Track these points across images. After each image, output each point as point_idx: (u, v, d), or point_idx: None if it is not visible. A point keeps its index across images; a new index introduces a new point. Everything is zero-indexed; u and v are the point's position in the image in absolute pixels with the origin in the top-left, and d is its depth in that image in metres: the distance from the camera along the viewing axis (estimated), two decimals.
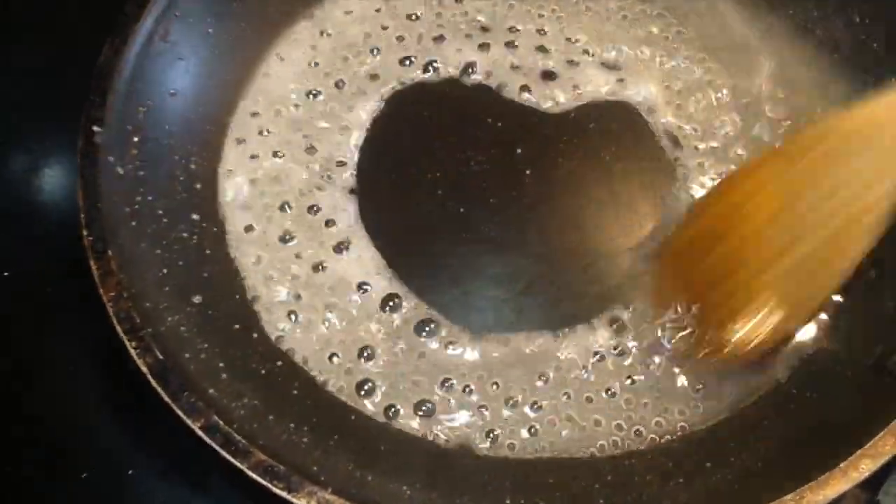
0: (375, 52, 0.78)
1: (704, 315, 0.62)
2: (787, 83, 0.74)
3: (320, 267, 0.68)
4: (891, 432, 0.52)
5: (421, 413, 0.63)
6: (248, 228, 0.70)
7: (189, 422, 0.54)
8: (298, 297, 0.67)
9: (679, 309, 0.63)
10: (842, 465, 0.52)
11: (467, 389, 0.64)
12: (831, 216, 0.56)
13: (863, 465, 0.52)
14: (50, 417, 0.67)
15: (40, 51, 0.81)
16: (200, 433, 0.54)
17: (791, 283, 0.59)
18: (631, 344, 0.65)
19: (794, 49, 0.75)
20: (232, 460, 0.53)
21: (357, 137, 0.75)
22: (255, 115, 0.75)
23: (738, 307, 0.60)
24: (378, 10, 0.80)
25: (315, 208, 0.71)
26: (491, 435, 0.62)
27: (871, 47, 0.71)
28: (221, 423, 0.54)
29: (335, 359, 0.65)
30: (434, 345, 0.66)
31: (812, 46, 0.74)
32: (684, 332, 0.64)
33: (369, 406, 0.63)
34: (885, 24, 0.70)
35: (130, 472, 0.65)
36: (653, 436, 0.62)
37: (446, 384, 0.64)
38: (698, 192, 0.71)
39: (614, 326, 0.66)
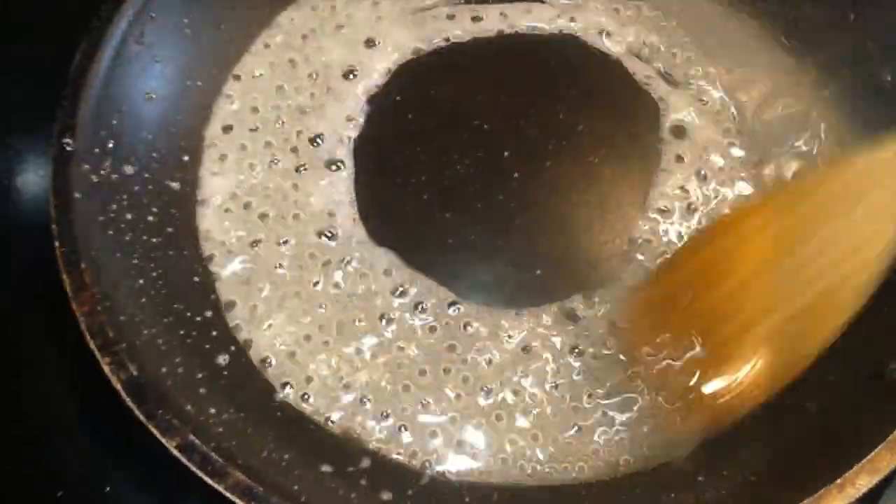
0: (351, 53, 0.76)
1: (687, 362, 0.59)
2: None
3: (303, 277, 0.66)
4: (888, 446, 0.51)
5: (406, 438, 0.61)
6: (228, 235, 0.68)
7: (164, 441, 0.52)
8: (280, 307, 0.65)
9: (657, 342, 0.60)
10: (838, 480, 0.50)
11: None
12: (823, 274, 0.53)
13: (860, 481, 0.50)
14: (24, 432, 0.66)
15: (11, 52, 0.79)
16: (176, 452, 0.52)
17: (783, 340, 0.56)
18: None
19: None
20: (209, 481, 0.51)
21: (342, 140, 0.72)
22: (234, 117, 0.73)
23: (727, 358, 0.57)
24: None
25: (298, 215, 0.69)
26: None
27: None
28: (198, 441, 0.53)
29: (318, 378, 0.63)
30: None
31: None
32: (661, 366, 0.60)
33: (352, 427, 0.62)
34: None
35: (108, 488, 0.63)
36: (639, 450, 0.61)
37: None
38: (691, 198, 0.69)
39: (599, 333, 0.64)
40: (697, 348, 0.58)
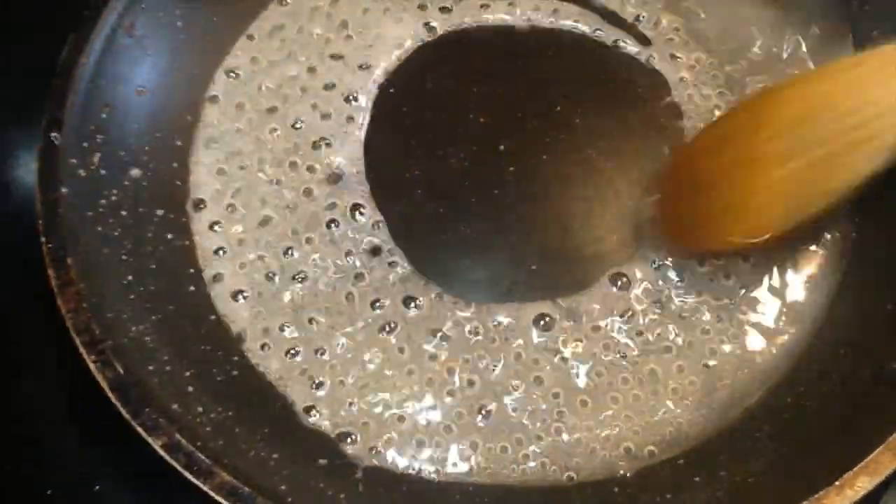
0: (346, 43, 0.75)
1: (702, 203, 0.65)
2: None
3: (295, 276, 0.65)
4: (889, 448, 0.50)
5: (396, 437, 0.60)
6: (219, 231, 0.67)
7: (150, 440, 0.52)
8: (272, 303, 0.64)
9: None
10: (837, 482, 0.49)
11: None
12: (841, 134, 0.59)
13: (859, 483, 0.49)
14: (12, 430, 0.65)
15: (5, 48, 0.78)
16: (161, 452, 0.51)
17: (790, 185, 0.61)
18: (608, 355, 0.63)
19: None
20: (194, 480, 0.51)
21: (336, 134, 0.71)
22: (226, 110, 0.71)
23: (739, 199, 0.63)
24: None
25: (290, 207, 0.68)
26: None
27: None
28: (184, 441, 0.52)
29: (308, 377, 0.62)
30: None
31: None
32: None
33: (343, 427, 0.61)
34: None
35: (97, 487, 0.63)
36: (636, 450, 0.60)
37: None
38: None
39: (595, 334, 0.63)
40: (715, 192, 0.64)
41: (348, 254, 0.66)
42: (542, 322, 0.64)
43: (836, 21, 0.72)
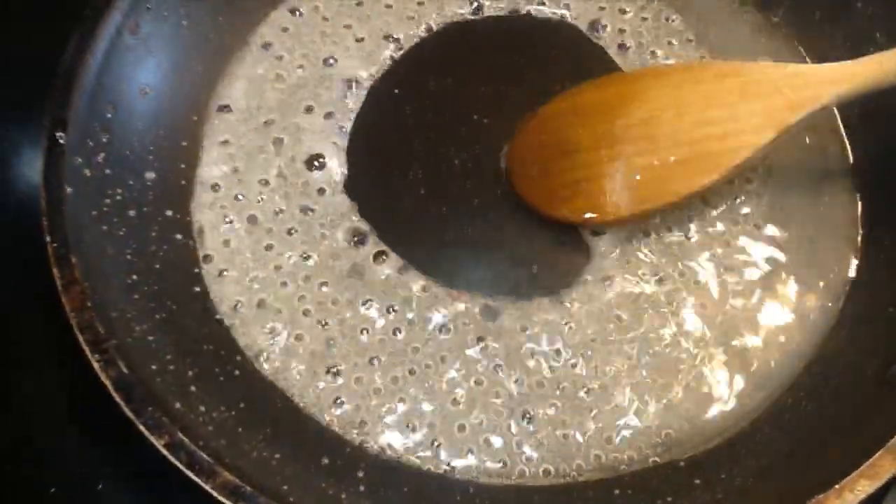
0: (352, 42, 0.75)
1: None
2: None
3: (298, 275, 0.66)
4: (889, 451, 0.50)
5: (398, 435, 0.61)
6: (223, 231, 0.67)
7: (152, 439, 0.52)
8: (275, 304, 0.65)
9: None
10: (837, 485, 0.49)
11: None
12: (702, 140, 0.62)
13: (859, 487, 0.49)
14: (15, 429, 0.65)
15: (8, 45, 0.78)
16: (164, 451, 0.52)
17: (644, 176, 0.63)
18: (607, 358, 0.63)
19: None
20: (196, 479, 0.51)
21: (338, 135, 0.71)
22: (231, 111, 0.72)
23: (593, 176, 0.65)
24: (359, 3, 0.76)
25: (295, 210, 0.68)
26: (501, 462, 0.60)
27: None
28: (186, 440, 0.52)
29: (311, 376, 0.62)
30: None
31: None
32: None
33: (345, 425, 0.61)
34: None
35: (100, 486, 0.63)
36: (637, 452, 0.60)
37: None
38: None
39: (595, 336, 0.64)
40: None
41: (349, 254, 0.66)
42: (542, 322, 0.64)
43: None
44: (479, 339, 0.63)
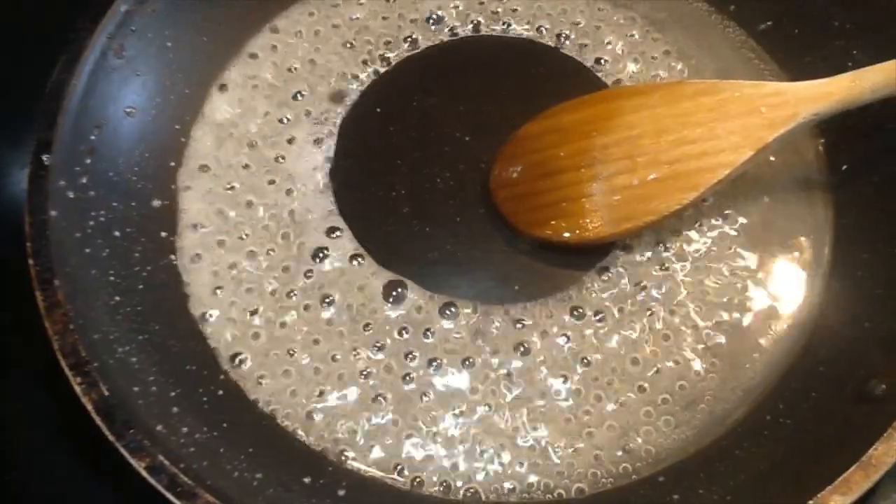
0: (334, 61, 0.76)
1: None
2: None
3: (286, 295, 0.66)
4: (862, 466, 0.50)
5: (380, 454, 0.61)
6: (205, 252, 0.67)
7: (133, 461, 0.52)
8: (260, 324, 0.65)
9: None
10: (811, 501, 0.50)
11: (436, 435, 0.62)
12: (680, 159, 0.63)
13: (832, 502, 0.49)
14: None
15: None
16: (144, 473, 0.52)
17: (623, 195, 0.64)
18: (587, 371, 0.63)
19: None
20: (177, 502, 0.51)
21: (325, 152, 0.72)
22: (215, 132, 0.72)
23: (573, 196, 0.65)
24: (336, 26, 0.77)
25: (279, 231, 0.69)
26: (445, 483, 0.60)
27: None
28: (167, 462, 0.52)
29: (293, 395, 0.62)
30: None
31: None
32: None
33: (326, 444, 0.61)
34: None
35: None
36: (617, 468, 0.60)
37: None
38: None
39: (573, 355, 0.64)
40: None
41: (332, 272, 0.67)
42: (526, 340, 0.64)
43: None
44: (466, 360, 0.64)
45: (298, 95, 0.74)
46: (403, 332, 0.65)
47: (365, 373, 0.63)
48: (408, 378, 0.63)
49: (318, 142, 0.73)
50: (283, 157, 0.72)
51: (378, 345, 0.64)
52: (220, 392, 0.62)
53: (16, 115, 0.75)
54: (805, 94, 0.61)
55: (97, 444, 0.53)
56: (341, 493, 0.58)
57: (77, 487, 0.65)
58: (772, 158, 0.69)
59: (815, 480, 0.51)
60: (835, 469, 0.51)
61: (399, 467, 0.60)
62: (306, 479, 0.58)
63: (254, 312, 0.65)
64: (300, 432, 0.61)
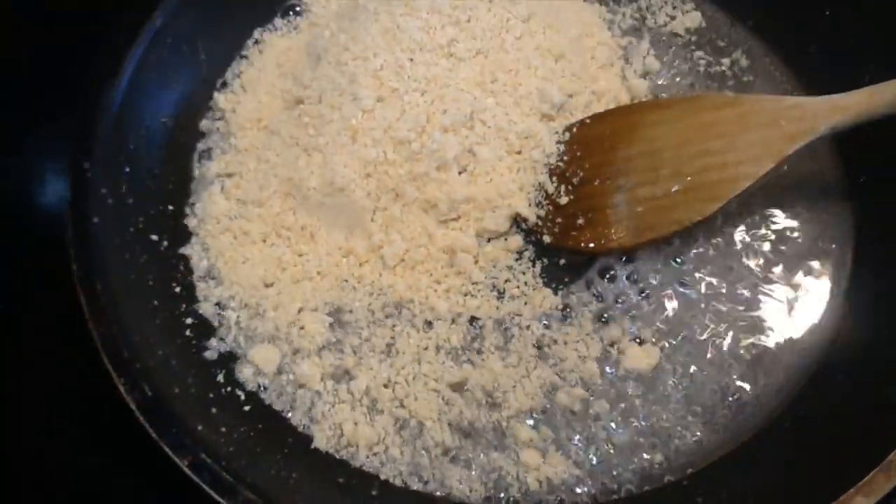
0: None
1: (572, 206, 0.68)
2: None
3: (317, 304, 0.67)
4: (884, 469, 0.52)
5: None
6: (237, 259, 0.69)
7: (176, 459, 0.54)
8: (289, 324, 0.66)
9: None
10: (834, 502, 0.51)
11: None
12: (702, 170, 0.65)
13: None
14: (35, 451, 0.67)
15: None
16: (188, 471, 0.54)
17: (646, 207, 0.66)
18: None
19: None
20: (219, 499, 0.53)
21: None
22: (247, 142, 0.74)
23: (598, 206, 0.67)
24: None
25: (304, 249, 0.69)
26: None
27: None
28: (209, 460, 0.54)
29: (329, 395, 0.64)
30: None
31: None
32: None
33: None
34: None
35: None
36: (629, 485, 0.61)
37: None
38: None
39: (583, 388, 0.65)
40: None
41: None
42: (546, 346, 0.65)
43: None
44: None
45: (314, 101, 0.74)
46: (425, 336, 0.66)
47: (395, 382, 0.64)
48: (433, 386, 0.64)
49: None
50: (312, 164, 0.71)
51: (392, 351, 0.65)
52: (256, 394, 0.63)
53: (53, 123, 0.78)
54: (823, 107, 0.63)
55: (137, 444, 0.55)
56: (374, 492, 0.60)
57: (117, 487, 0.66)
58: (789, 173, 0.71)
59: (838, 482, 0.52)
60: (857, 472, 0.52)
61: (432, 475, 0.61)
62: (340, 479, 0.59)
63: (285, 313, 0.66)
64: (335, 436, 0.62)
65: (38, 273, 0.71)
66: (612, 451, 0.62)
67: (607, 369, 0.64)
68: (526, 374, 0.64)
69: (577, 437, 0.62)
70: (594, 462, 0.61)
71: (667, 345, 0.65)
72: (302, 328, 0.65)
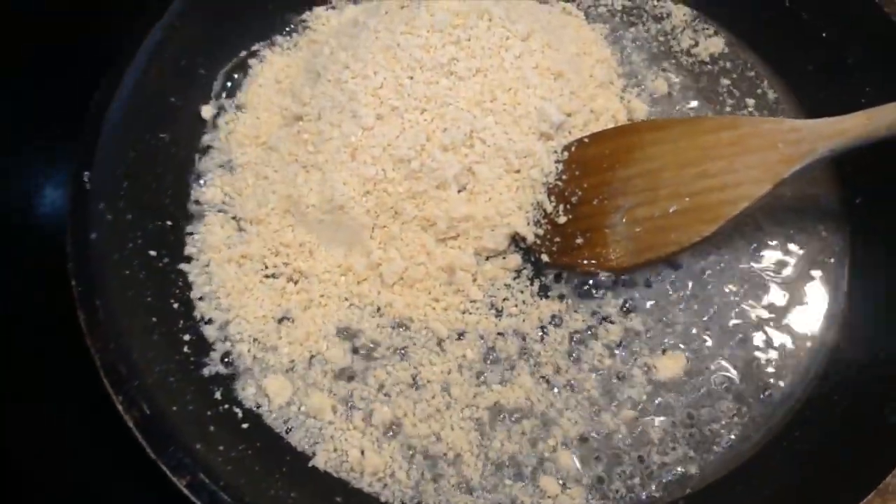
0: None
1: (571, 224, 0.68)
2: None
3: (317, 327, 0.67)
4: (879, 493, 0.52)
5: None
6: (236, 278, 0.68)
7: (174, 479, 0.54)
8: (289, 346, 0.66)
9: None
10: None
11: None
12: (701, 192, 0.65)
13: None
14: (35, 451, 0.67)
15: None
16: (186, 491, 0.54)
17: (643, 227, 0.66)
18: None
19: None
20: None
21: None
22: (244, 157, 0.74)
23: (597, 227, 0.67)
24: None
25: (304, 270, 0.69)
26: None
27: None
28: (207, 480, 0.54)
29: (329, 415, 0.63)
30: None
31: None
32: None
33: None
34: None
35: None
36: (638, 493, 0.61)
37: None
38: None
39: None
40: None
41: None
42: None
43: None
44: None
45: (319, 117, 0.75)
46: (418, 360, 0.66)
47: (392, 398, 0.64)
48: (432, 404, 0.65)
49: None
50: (311, 181, 0.71)
51: (417, 380, 0.66)
52: (255, 413, 0.63)
53: (52, 135, 0.78)
54: (821, 131, 0.63)
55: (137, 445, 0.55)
56: None
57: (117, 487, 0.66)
58: (788, 194, 0.71)
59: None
60: (852, 495, 0.53)
61: (432, 494, 0.61)
62: (338, 498, 0.59)
63: (288, 336, 0.66)
64: (333, 455, 0.62)
65: (38, 273, 0.71)
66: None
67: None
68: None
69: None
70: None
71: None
72: (313, 356, 0.65)
